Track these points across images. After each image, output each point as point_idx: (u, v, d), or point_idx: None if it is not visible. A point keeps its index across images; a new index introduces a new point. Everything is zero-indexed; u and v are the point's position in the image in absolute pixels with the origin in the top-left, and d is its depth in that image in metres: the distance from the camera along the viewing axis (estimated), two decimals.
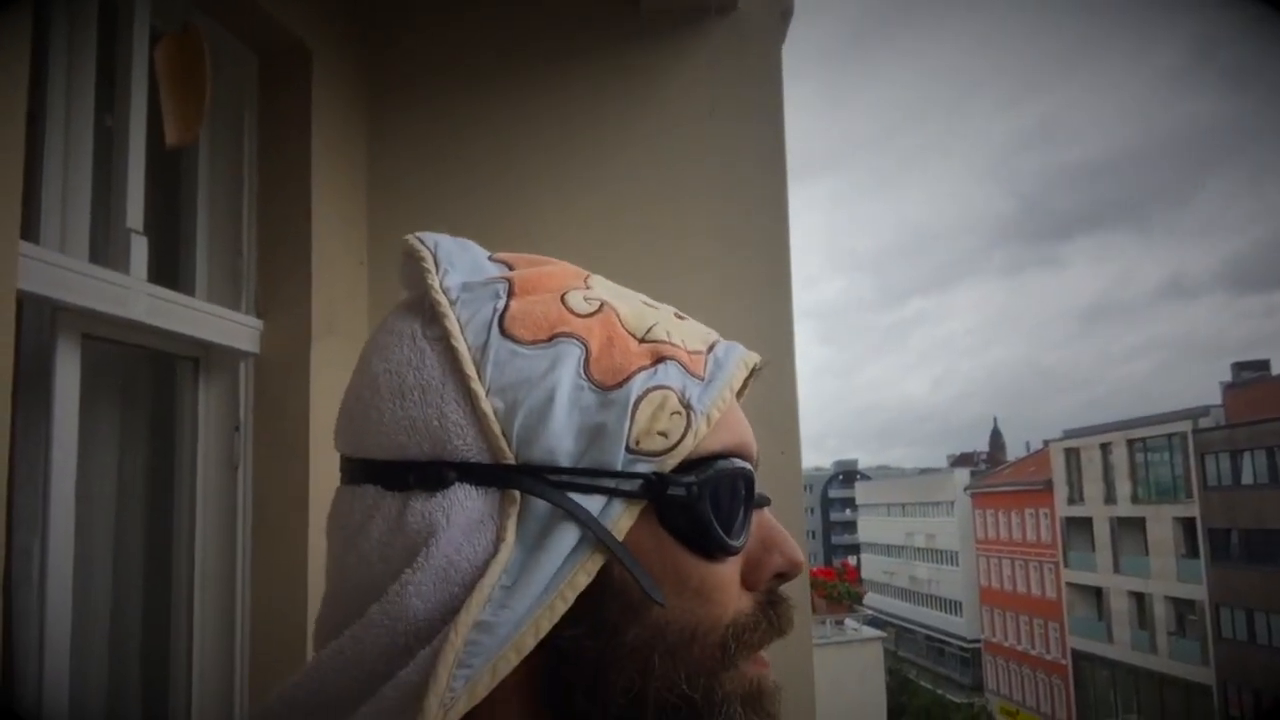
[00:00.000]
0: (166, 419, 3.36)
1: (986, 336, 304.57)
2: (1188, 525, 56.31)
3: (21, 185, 2.28)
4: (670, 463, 1.02)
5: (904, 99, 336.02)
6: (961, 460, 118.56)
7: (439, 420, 1.02)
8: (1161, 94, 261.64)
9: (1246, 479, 52.30)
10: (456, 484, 1.01)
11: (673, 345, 1.09)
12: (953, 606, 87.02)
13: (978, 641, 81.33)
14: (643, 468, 1.02)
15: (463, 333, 1.05)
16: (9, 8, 2.25)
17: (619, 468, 1.01)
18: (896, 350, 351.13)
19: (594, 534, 0.98)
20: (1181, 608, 57.42)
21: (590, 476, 1.00)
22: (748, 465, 1.10)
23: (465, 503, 1.00)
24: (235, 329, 3.30)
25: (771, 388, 3.45)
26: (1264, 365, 60.72)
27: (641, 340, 1.08)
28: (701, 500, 1.03)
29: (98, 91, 2.85)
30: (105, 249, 2.87)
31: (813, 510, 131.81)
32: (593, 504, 1.00)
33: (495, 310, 1.06)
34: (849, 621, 22.63)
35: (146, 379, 3.34)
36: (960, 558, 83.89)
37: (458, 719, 0.94)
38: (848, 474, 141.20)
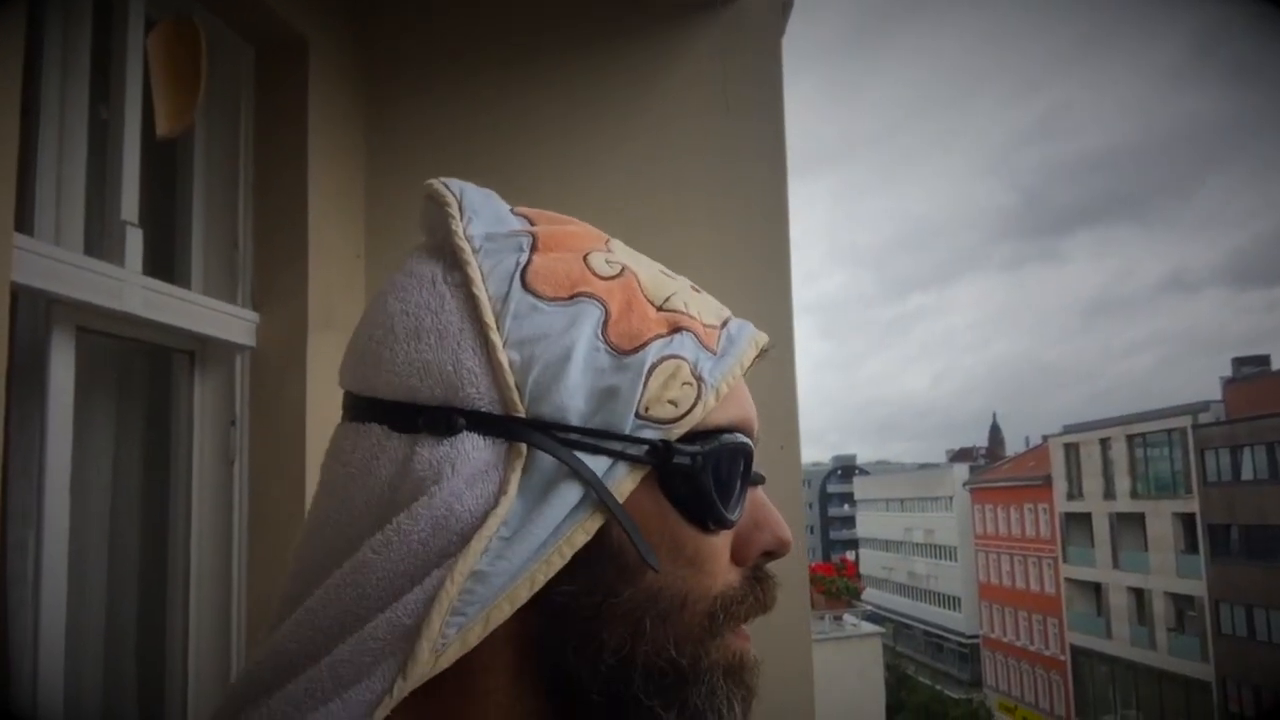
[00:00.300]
0: (162, 413, 3.36)
1: (987, 331, 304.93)
2: (1187, 521, 56.33)
3: (16, 177, 2.28)
4: (677, 432, 1.03)
5: (906, 95, 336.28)
6: (960, 455, 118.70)
7: (454, 366, 1.02)
8: (1163, 90, 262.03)
9: (1246, 474, 52.33)
10: (465, 432, 1.00)
11: (689, 317, 1.09)
12: (951, 602, 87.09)
13: (976, 637, 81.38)
14: (650, 434, 1.02)
15: (484, 282, 1.05)
16: (5, 2, 2.24)
17: (627, 431, 1.01)
18: (897, 345, 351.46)
19: (596, 494, 0.99)
20: (1181, 604, 57.47)
21: (598, 437, 1.01)
22: (749, 442, 1.11)
23: (471, 452, 1.00)
24: (231, 322, 3.30)
25: (771, 382, 3.45)
26: (1264, 360, 60.75)
27: (659, 309, 1.09)
28: (704, 471, 1.04)
29: (92, 83, 2.85)
30: (100, 241, 2.87)
31: (811, 505, 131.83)
32: (598, 465, 1.00)
33: (518, 263, 1.06)
34: (848, 617, 22.60)
35: (141, 372, 3.34)
36: (959, 553, 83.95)
37: (448, 665, 0.95)
38: (846, 469, 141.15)
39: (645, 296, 1.09)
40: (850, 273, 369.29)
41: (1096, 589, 64.80)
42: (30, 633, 2.54)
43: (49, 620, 2.57)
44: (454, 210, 1.11)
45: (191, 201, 3.39)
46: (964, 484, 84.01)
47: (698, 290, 1.18)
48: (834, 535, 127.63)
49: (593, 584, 1.01)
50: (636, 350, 1.03)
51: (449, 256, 1.09)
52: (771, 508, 1.15)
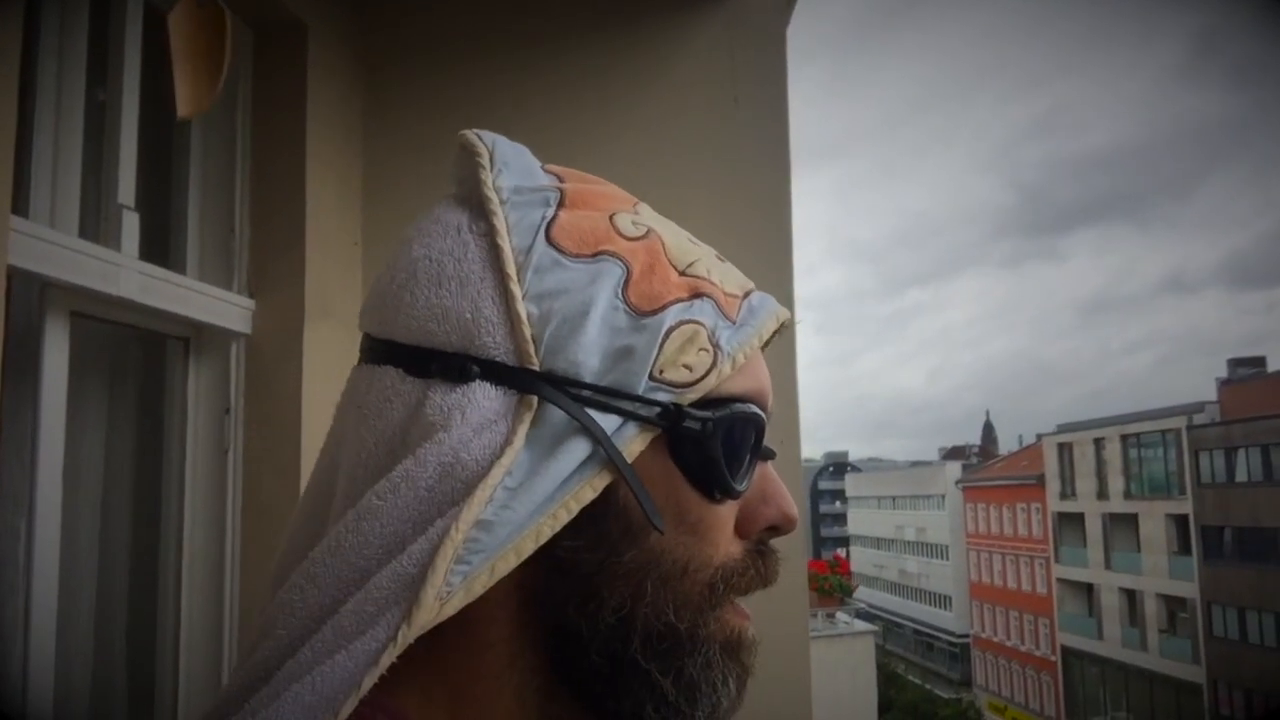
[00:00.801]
0: (156, 400, 3.35)
1: (985, 329, 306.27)
2: (1181, 522, 56.49)
3: (12, 159, 2.27)
4: (690, 397, 1.04)
5: (908, 90, 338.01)
6: (953, 453, 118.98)
7: (472, 314, 1.03)
8: (1165, 88, 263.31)
9: (1241, 476, 52.48)
10: (478, 381, 1.01)
11: (711, 283, 1.10)
12: (942, 601, 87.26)
13: (967, 636, 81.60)
14: (662, 397, 1.03)
15: (509, 233, 1.06)
16: None
17: (639, 392, 1.02)
18: (893, 341, 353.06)
19: (605, 451, 1.00)
20: (1173, 605, 57.63)
21: (610, 396, 1.01)
22: (762, 414, 1.11)
23: (482, 401, 1.01)
24: (227, 309, 3.29)
25: (772, 376, 3.43)
26: (1260, 362, 60.92)
27: (682, 273, 1.09)
28: (714, 438, 1.04)
29: (90, 65, 2.84)
30: (96, 224, 2.86)
31: None
32: (608, 423, 1.01)
33: (544, 217, 1.07)
34: (840, 615, 22.65)
35: (136, 359, 3.33)
36: (950, 552, 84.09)
37: (452, 613, 0.95)
38: (838, 465, 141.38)
39: (668, 260, 1.10)
40: (848, 268, 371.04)
41: (1088, 589, 64.99)
42: (21, 618, 2.54)
43: (40, 606, 2.56)
44: (484, 161, 1.12)
45: (188, 186, 3.38)
46: (956, 482, 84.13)
47: (722, 260, 1.18)
48: (825, 532, 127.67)
49: (597, 541, 1.02)
50: (655, 312, 1.04)
51: (476, 206, 1.10)
52: (780, 483, 1.15)
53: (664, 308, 1.04)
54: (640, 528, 1.02)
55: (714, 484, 1.05)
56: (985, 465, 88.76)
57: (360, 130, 3.86)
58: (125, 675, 3.21)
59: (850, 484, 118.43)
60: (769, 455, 1.16)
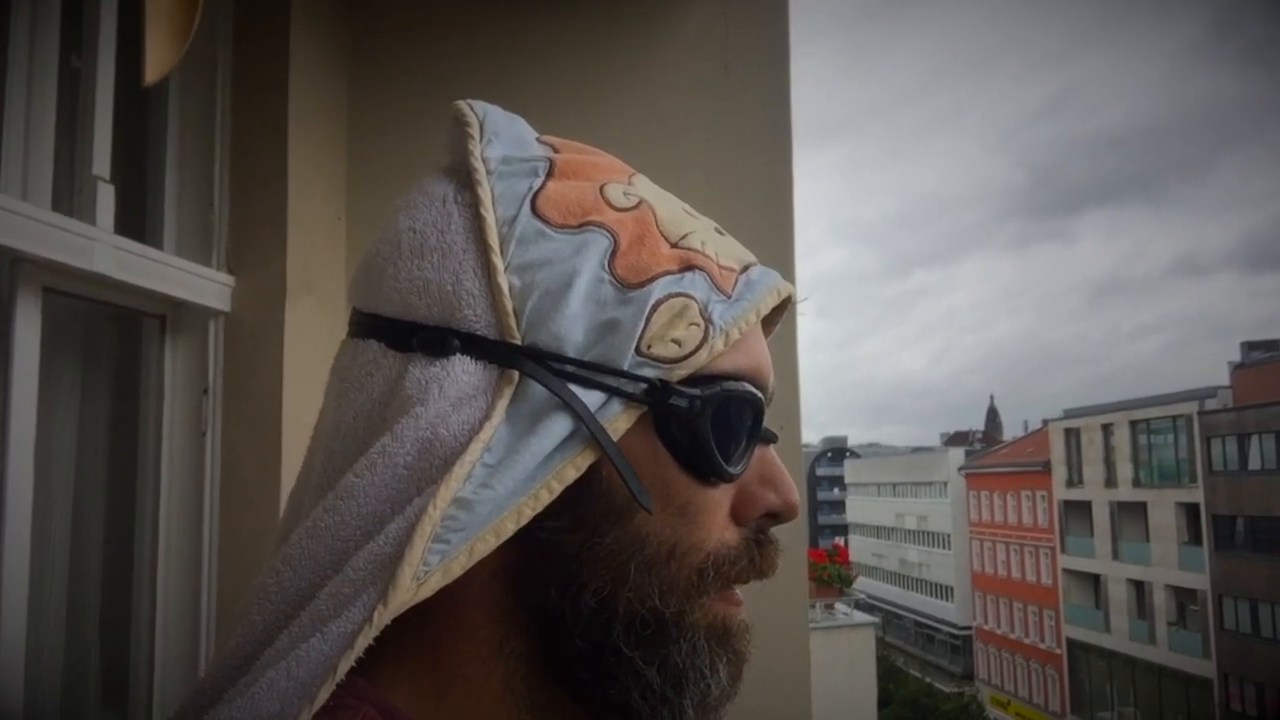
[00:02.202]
0: (131, 380, 3.34)
1: (990, 311, 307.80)
2: (1191, 511, 56.54)
3: None
4: (679, 373, 1.04)
5: (918, 67, 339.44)
6: (956, 439, 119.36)
7: (453, 286, 1.05)
8: (1180, 69, 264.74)
9: (1254, 464, 52.51)
10: (458, 354, 1.03)
11: (704, 256, 1.10)
12: (944, 592, 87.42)
13: (969, 628, 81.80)
14: (649, 373, 1.04)
15: (494, 204, 1.07)
16: None
17: (625, 368, 1.03)
18: (896, 324, 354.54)
19: (587, 429, 1.00)
20: (1183, 597, 57.70)
21: (594, 371, 1.03)
22: (758, 393, 1.11)
23: (462, 375, 1.02)
24: (205, 285, 3.28)
25: (772, 359, 3.43)
26: (1274, 345, 60.88)
27: (674, 245, 1.10)
28: (703, 417, 1.05)
29: (63, 30, 2.82)
30: (69, 197, 2.85)
31: None
32: (591, 399, 1.02)
33: (531, 187, 1.09)
34: (839, 606, 22.73)
35: (110, 337, 3.31)
36: (952, 541, 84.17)
37: (429, 594, 0.95)
38: (836, 451, 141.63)
39: (660, 231, 1.10)
40: (851, 249, 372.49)
41: (1095, 581, 65.14)
42: None
43: (9, 594, 2.55)
44: (474, 131, 1.13)
45: (165, 158, 3.35)
46: (959, 469, 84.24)
47: (722, 233, 1.20)
48: (822, 520, 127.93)
49: (578, 522, 1.03)
50: (642, 285, 1.05)
51: (463, 177, 1.12)
52: (782, 468, 1.16)
53: (652, 280, 1.05)
54: (624, 509, 1.03)
55: (704, 465, 1.06)
56: (989, 451, 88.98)
57: (345, 102, 3.84)
58: (98, 666, 3.20)
59: (849, 470, 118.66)
60: (770, 438, 1.16)
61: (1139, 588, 60.98)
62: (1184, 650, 56.91)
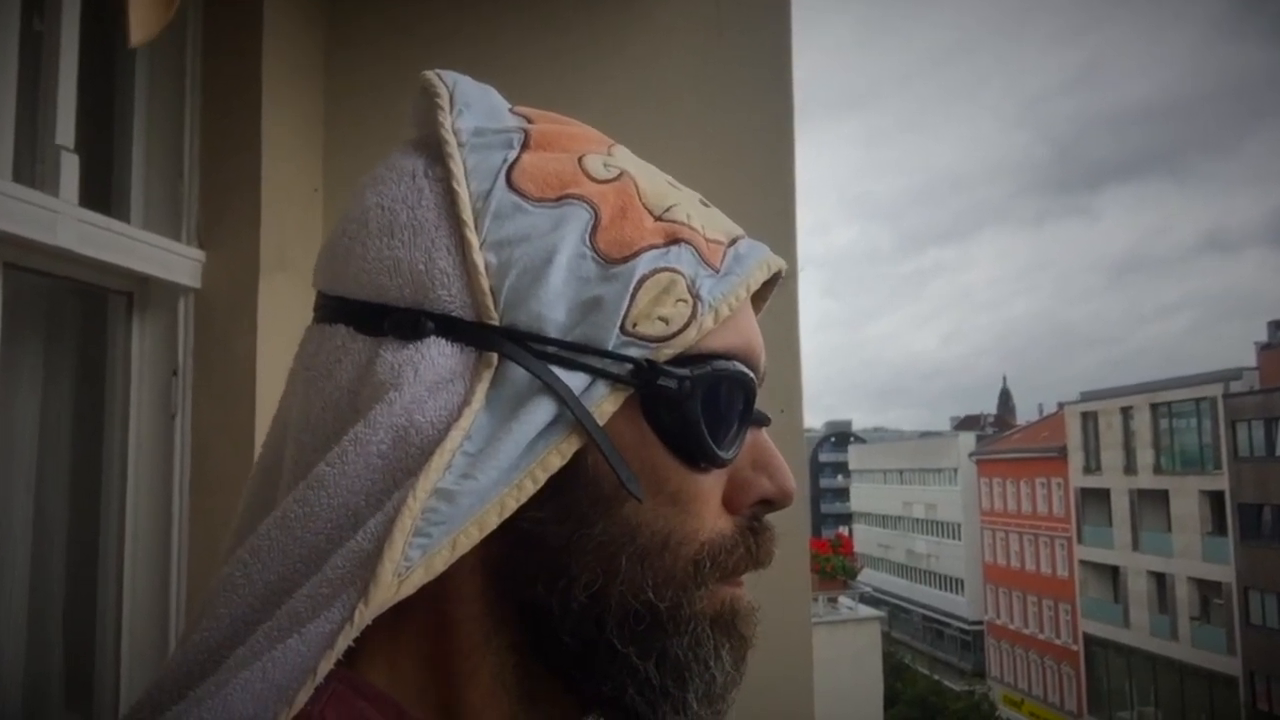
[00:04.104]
0: (96, 360, 3.35)
1: (1007, 289, 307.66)
2: (1215, 499, 56.48)
3: None
4: (666, 353, 1.03)
5: (940, 40, 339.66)
6: (966, 423, 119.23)
7: (425, 265, 1.04)
8: (1210, 40, 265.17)
9: None
10: (432, 337, 1.02)
11: (690, 229, 1.10)
12: (954, 584, 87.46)
13: (980, 623, 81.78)
14: (635, 352, 1.03)
15: (467, 178, 1.06)
16: None
17: (609, 348, 1.02)
18: (908, 303, 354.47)
19: (572, 413, 1.00)
20: (1206, 590, 57.66)
21: (576, 352, 1.02)
22: (750, 373, 1.11)
23: (437, 358, 1.02)
24: (174, 261, 3.28)
25: (773, 341, 3.43)
26: None
27: (658, 218, 1.09)
28: (692, 398, 1.04)
29: None
30: (31, 168, 2.85)
31: None
32: (575, 381, 1.01)
33: (505, 160, 1.08)
34: (843, 599, 22.74)
35: (74, 315, 3.32)
36: (963, 531, 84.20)
37: (411, 591, 0.95)
38: (840, 436, 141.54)
39: (643, 204, 1.10)
40: (862, 226, 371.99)
41: (1114, 573, 65.04)
42: None
43: None
44: (443, 102, 1.12)
45: (132, 125, 3.36)
46: (970, 454, 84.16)
47: (707, 205, 1.19)
48: (825, 509, 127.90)
49: (564, 512, 1.02)
50: (626, 260, 1.04)
51: (433, 150, 1.11)
52: (775, 452, 1.15)
53: (636, 255, 1.05)
54: (612, 497, 1.02)
55: (695, 450, 1.06)
56: (1001, 436, 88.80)
57: (322, 66, 3.84)
58: (61, 665, 3.22)
59: (854, 456, 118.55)
60: (763, 421, 1.16)
61: (1160, 580, 60.92)
62: (1208, 646, 56.89)
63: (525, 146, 1.09)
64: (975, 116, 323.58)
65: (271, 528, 1.02)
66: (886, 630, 60.46)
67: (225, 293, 3.34)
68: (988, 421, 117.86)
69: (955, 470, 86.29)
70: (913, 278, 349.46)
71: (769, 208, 3.58)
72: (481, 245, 1.03)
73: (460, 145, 1.08)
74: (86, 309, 3.34)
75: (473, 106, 1.13)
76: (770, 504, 1.14)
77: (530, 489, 0.98)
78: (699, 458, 1.06)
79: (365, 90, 3.81)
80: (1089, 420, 67.21)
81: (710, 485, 1.08)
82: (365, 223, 1.09)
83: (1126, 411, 63.32)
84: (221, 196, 3.40)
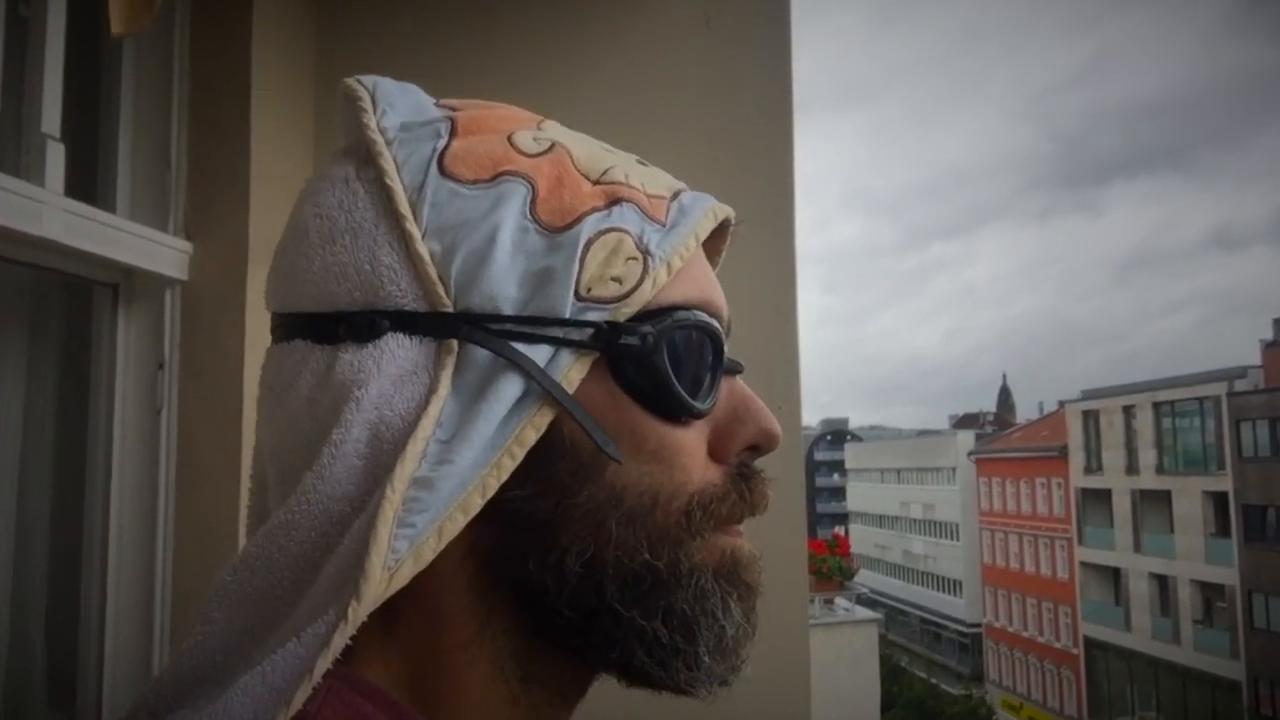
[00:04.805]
0: (81, 354, 3.34)
1: (1010, 286, 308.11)
2: (1219, 500, 56.49)
3: None
4: (625, 312, 1.05)
5: (948, 32, 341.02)
6: (965, 421, 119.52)
7: (371, 265, 1.05)
8: (1219, 34, 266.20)
9: None
10: (389, 334, 1.03)
11: (630, 187, 1.12)
12: (952, 586, 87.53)
13: (979, 626, 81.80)
14: (594, 316, 1.04)
15: (399, 173, 1.08)
16: None
17: (567, 315, 1.03)
18: (909, 299, 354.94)
19: (540, 385, 1.01)
20: (1209, 593, 57.70)
21: (535, 325, 1.03)
22: (714, 322, 1.13)
23: (398, 353, 1.03)
24: (161, 252, 3.28)
25: (771, 336, 3.46)
26: None
27: (596, 182, 1.11)
28: (658, 352, 1.06)
29: None
30: (16, 157, 2.85)
31: None
32: (539, 354, 1.03)
33: (435, 149, 1.09)
34: (840, 601, 22.75)
35: (59, 307, 3.32)
36: (961, 531, 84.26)
37: (403, 583, 0.96)
38: (837, 434, 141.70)
39: (578, 170, 1.12)
40: (864, 221, 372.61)
41: (1115, 575, 65.09)
42: None
43: None
44: (366, 104, 1.14)
45: (118, 114, 3.36)
46: (969, 454, 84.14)
47: (645, 164, 1.20)
48: (821, 508, 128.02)
49: (547, 486, 1.04)
50: (570, 226, 1.06)
51: (363, 152, 1.12)
52: (754, 397, 1.17)
53: (579, 220, 1.06)
54: (593, 463, 1.04)
55: (669, 403, 1.07)
56: (1001, 435, 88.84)
57: (313, 53, 3.84)
58: (44, 664, 3.21)
59: (850, 455, 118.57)
60: (736, 369, 1.18)
61: (1162, 583, 60.93)
62: (1210, 650, 56.91)
63: (453, 134, 1.11)
64: (981, 110, 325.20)
65: (263, 538, 1.03)
66: (883, 632, 60.50)
67: (213, 285, 3.34)
68: (987, 420, 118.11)
69: (954, 469, 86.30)
70: (914, 273, 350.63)
71: (767, 203, 3.59)
72: (423, 236, 1.04)
73: (388, 143, 1.10)
74: (71, 301, 3.34)
75: (396, 105, 1.15)
76: (757, 449, 1.16)
77: (509, 466, 1.00)
78: (675, 411, 1.08)
79: (357, 74, 3.80)
80: (1090, 419, 67.23)
81: (693, 438, 1.10)
82: (305, 235, 1.10)
83: (1128, 410, 63.33)
84: (210, 187, 3.40)
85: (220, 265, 3.34)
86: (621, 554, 1.03)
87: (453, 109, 1.17)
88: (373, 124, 1.11)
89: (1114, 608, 64.88)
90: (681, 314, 1.08)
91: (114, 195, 3.32)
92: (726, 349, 1.14)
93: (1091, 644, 66.38)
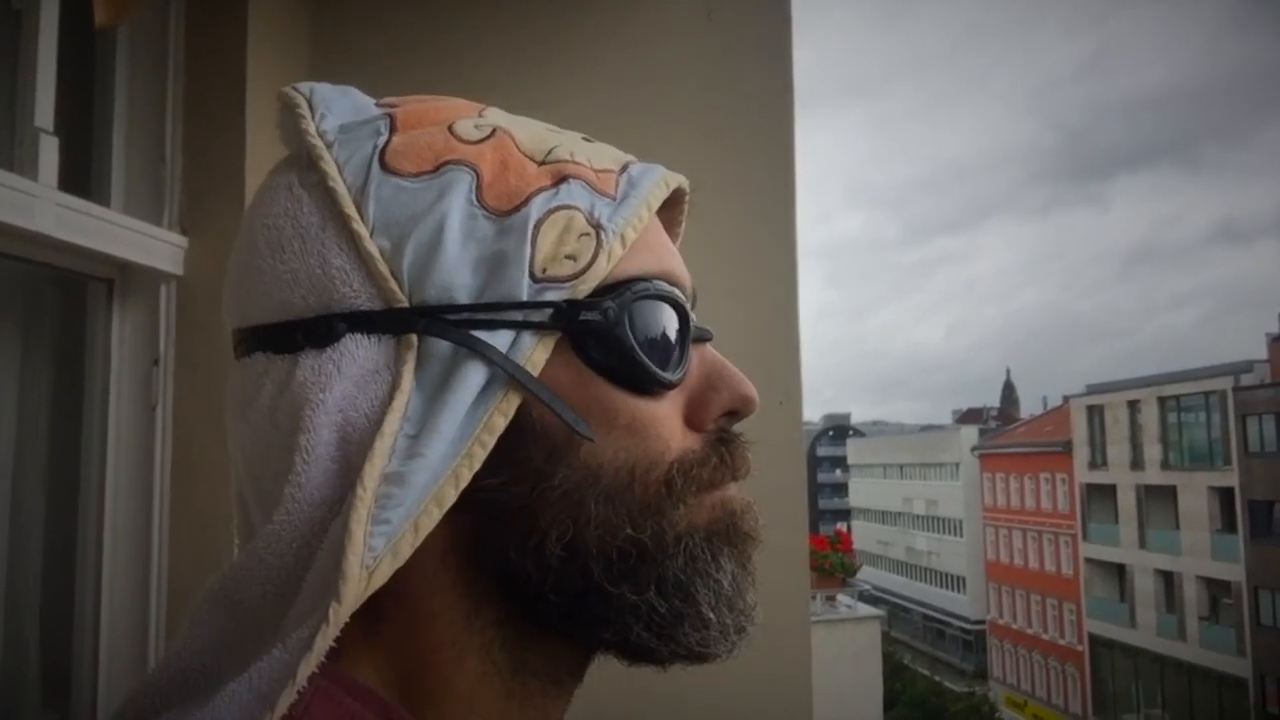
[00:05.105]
0: (75, 349, 3.34)
1: (1014, 280, 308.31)
2: (1225, 496, 56.47)
3: None
4: (583, 289, 1.05)
5: (953, 25, 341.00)
6: (969, 416, 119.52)
7: (321, 268, 1.05)
8: (1226, 27, 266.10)
9: None
10: (347, 335, 1.03)
11: (576, 164, 1.12)
12: (955, 583, 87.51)
13: (982, 623, 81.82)
14: (552, 296, 1.04)
15: (341, 174, 1.08)
16: None
17: (525, 298, 1.03)
18: (912, 294, 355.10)
19: (504, 370, 1.01)
20: (1215, 590, 57.65)
21: (493, 311, 1.03)
22: (675, 290, 1.13)
23: (357, 354, 1.03)
24: (156, 246, 3.28)
25: (772, 331, 3.46)
26: None
27: (541, 162, 1.11)
28: (620, 326, 1.06)
29: None
30: (9, 150, 2.85)
31: None
32: (500, 340, 1.03)
33: (376, 146, 1.09)
34: (841, 597, 22.74)
35: (53, 302, 3.32)
36: (965, 527, 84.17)
37: (383, 581, 0.96)
38: (839, 429, 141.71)
39: (522, 153, 1.12)
40: (868, 214, 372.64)
41: (1120, 571, 65.06)
42: None
43: None
44: (304, 110, 1.14)
45: (113, 107, 3.36)
46: (972, 449, 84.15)
47: (591, 141, 1.20)
48: (824, 504, 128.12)
49: (521, 471, 1.04)
50: (518, 209, 1.06)
51: (304, 158, 1.12)
52: (726, 363, 1.17)
53: (526, 201, 1.06)
54: (566, 444, 1.04)
55: (637, 375, 1.07)
56: (1005, 430, 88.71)
57: (308, 45, 3.84)
58: (38, 663, 3.21)
59: (853, 450, 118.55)
60: (705, 336, 1.18)
61: (1168, 579, 60.92)
62: (1216, 647, 56.91)
63: (393, 130, 1.11)
64: (984, 104, 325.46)
65: (249, 550, 1.04)
66: (886, 630, 60.44)
67: (208, 280, 3.34)
68: (990, 415, 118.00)
69: (957, 465, 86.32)
70: (917, 268, 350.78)
71: (768, 197, 3.59)
72: (371, 233, 1.04)
73: (328, 145, 1.10)
74: (65, 296, 3.34)
75: (334, 108, 1.15)
76: (734, 414, 1.16)
77: (481, 455, 1.00)
78: (645, 383, 1.08)
79: (353, 69, 3.80)
80: (1095, 414, 67.17)
81: (666, 409, 1.10)
82: (255, 247, 1.10)
83: (1133, 405, 63.27)
84: (205, 180, 3.39)
85: (216, 259, 3.33)
86: (603, 532, 1.03)
87: (392, 106, 1.17)
88: (311, 129, 1.11)
89: (1119, 604, 64.84)
90: (641, 285, 1.09)
91: (108, 189, 3.32)
92: (693, 318, 1.15)
93: (1096, 641, 66.35)
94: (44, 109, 2.89)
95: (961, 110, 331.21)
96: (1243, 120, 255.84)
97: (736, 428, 1.18)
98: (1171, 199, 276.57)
